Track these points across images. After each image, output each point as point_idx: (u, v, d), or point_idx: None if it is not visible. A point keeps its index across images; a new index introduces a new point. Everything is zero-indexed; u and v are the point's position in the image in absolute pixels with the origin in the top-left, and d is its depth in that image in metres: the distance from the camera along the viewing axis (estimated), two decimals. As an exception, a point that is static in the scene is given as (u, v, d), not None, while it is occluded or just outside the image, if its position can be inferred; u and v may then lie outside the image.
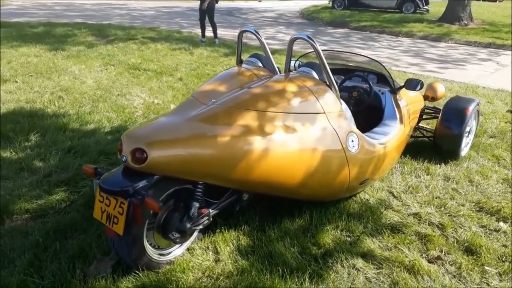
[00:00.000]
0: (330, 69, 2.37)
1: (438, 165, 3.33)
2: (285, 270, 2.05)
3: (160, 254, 2.05)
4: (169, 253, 2.10)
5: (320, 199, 2.56)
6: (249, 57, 2.76)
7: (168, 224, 1.96)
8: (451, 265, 2.18)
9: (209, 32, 8.75)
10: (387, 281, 2.04)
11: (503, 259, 2.23)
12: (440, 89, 3.67)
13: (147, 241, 1.96)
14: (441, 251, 2.28)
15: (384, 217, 2.57)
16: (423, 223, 2.53)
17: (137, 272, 1.96)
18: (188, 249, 2.19)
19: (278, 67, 2.71)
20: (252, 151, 1.97)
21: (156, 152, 1.76)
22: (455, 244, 2.35)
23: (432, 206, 2.73)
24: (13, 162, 3.05)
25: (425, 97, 3.71)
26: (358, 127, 2.53)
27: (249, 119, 2.04)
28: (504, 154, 3.59)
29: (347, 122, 2.41)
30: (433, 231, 2.45)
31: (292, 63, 3.22)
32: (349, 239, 2.36)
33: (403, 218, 2.58)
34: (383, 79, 3.31)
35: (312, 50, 2.33)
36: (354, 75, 3.26)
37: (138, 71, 6.02)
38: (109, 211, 1.77)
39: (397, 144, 2.90)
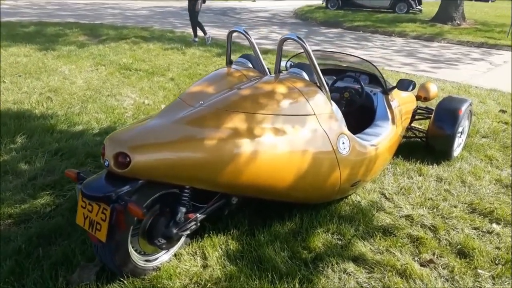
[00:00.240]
0: (322, 69, 2.33)
1: (431, 166, 3.30)
2: (275, 275, 2.00)
3: (146, 260, 1.99)
4: (156, 259, 2.04)
5: (311, 201, 2.52)
6: (239, 57, 2.72)
7: (154, 230, 1.91)
8: (443, 268, 2.14)
9: (201, 32, 8.67)
10: (378, 285, 2.00)
11: (496, 262, 2.20)
12: (433, 89, 3.65)
13: (132, 247, 1.90)
14: (434, 254, 2.25)
15: (376, 220, 2.53)
16: (415, 225, 2.49)
17: (122, 279, 1.91)
18: (175, 255, 2.13)
19: (268, 68, 2.67)
20: (241, 154, 1.92)
21: (140, 156, 1.70)
22: (448, 247, 2.32)
23: (424, 207, 2.70)
24: (-2, 165, 2.98)
25: (418, 98, 3.69)
26: (349, 128, 2.49)
27: (237, 121, 1.98)
28: (497, 154, 3.58)
29: (338, 123, 2.37)
30: (425, 233, 2.42)
31: (284, 63, 3.18)
32: (340, 242, 2.32)
33: (395, 220, 2.54)
34: (375, 79, 3.28)
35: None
36: (346, 76, 3.22)
37: (129, 71, 5.94)
38: (92, 217, 1.71)
39: (389, 145, 2.87)
